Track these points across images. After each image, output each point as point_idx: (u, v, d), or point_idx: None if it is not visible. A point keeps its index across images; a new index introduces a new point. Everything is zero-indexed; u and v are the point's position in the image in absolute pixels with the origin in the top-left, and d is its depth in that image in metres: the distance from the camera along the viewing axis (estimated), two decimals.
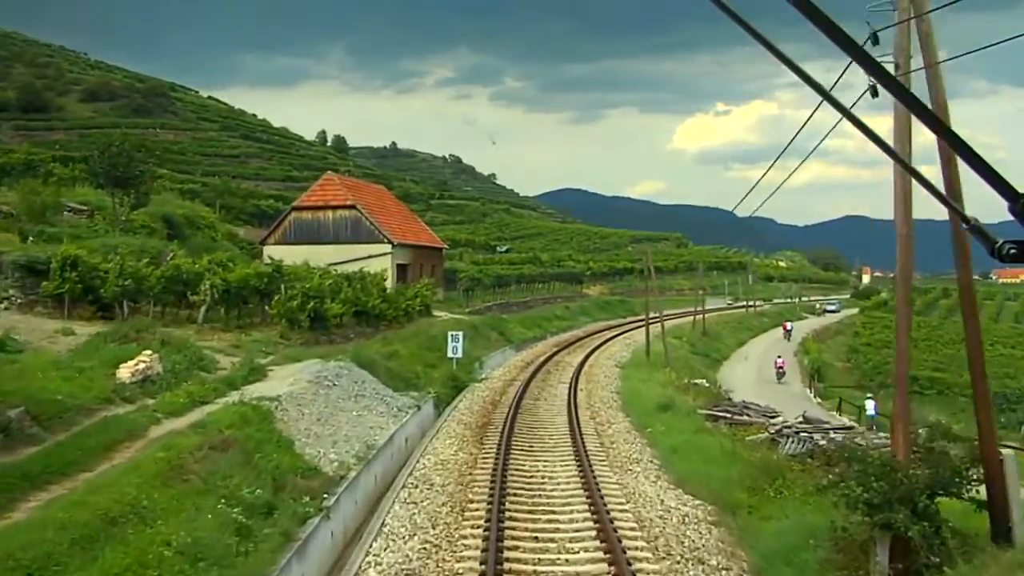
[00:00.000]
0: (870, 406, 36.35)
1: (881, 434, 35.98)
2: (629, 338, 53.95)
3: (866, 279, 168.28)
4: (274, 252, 49.01)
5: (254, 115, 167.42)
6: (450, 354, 30.07)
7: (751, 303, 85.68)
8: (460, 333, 30.34)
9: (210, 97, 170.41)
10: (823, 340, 75.77)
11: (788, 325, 75.11)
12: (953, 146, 1.92)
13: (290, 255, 46.21)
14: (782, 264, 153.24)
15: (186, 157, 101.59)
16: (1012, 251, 1.96)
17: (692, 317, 65.04)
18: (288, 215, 50.94)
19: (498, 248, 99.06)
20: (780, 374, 50.57)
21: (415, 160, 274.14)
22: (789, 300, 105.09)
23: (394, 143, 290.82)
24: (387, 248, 49.40)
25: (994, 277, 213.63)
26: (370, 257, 48.80)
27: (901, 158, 2.36)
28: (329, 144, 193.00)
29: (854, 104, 11.29)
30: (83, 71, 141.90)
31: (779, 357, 53.60)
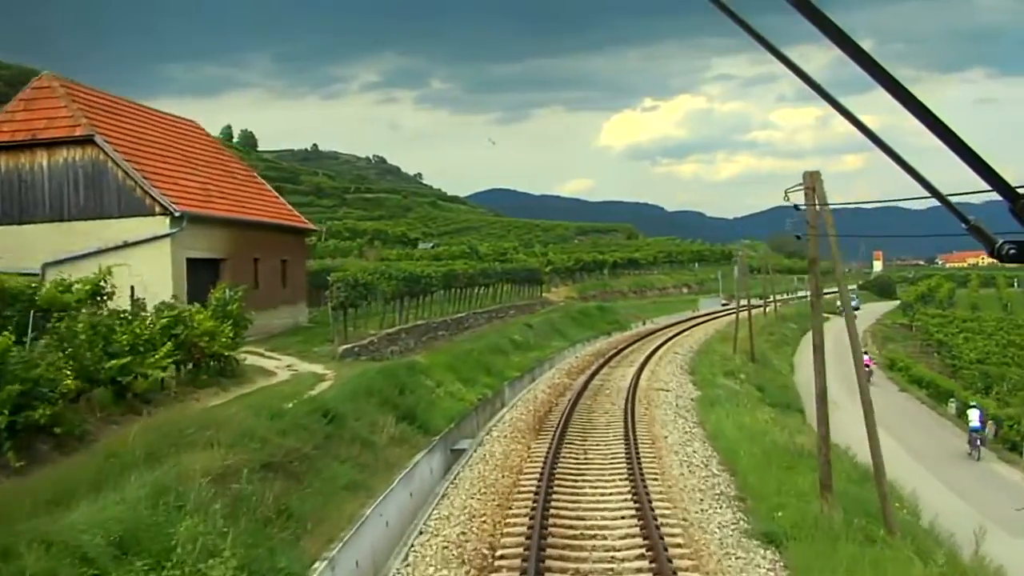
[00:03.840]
0: (974, 416, 29.01)
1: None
2: (654, 378, 27.43)
3: (878, 266, 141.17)
4: None
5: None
6: None
7: (770, 302, 60.44)
8: None
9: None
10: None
11: None
12: (950, 145, 1.68)
13: None
14: (741, 253, 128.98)
15: None
16: (1012, 251, 1.72)
17: (732, 322, 39.50)
18: None
19: (421, 243, 71.69)
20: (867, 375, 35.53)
21: (338, 161, 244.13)
22: (799, 296, 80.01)
23: (315, 145, 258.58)
24: (162, 225, 22.02)
25: (940, 262, 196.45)
26: (127, 246, 21.59)
27: (896, 154, 1.76)
28: (236, 140, 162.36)
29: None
30: None
31: (866, 354, 41.16)
